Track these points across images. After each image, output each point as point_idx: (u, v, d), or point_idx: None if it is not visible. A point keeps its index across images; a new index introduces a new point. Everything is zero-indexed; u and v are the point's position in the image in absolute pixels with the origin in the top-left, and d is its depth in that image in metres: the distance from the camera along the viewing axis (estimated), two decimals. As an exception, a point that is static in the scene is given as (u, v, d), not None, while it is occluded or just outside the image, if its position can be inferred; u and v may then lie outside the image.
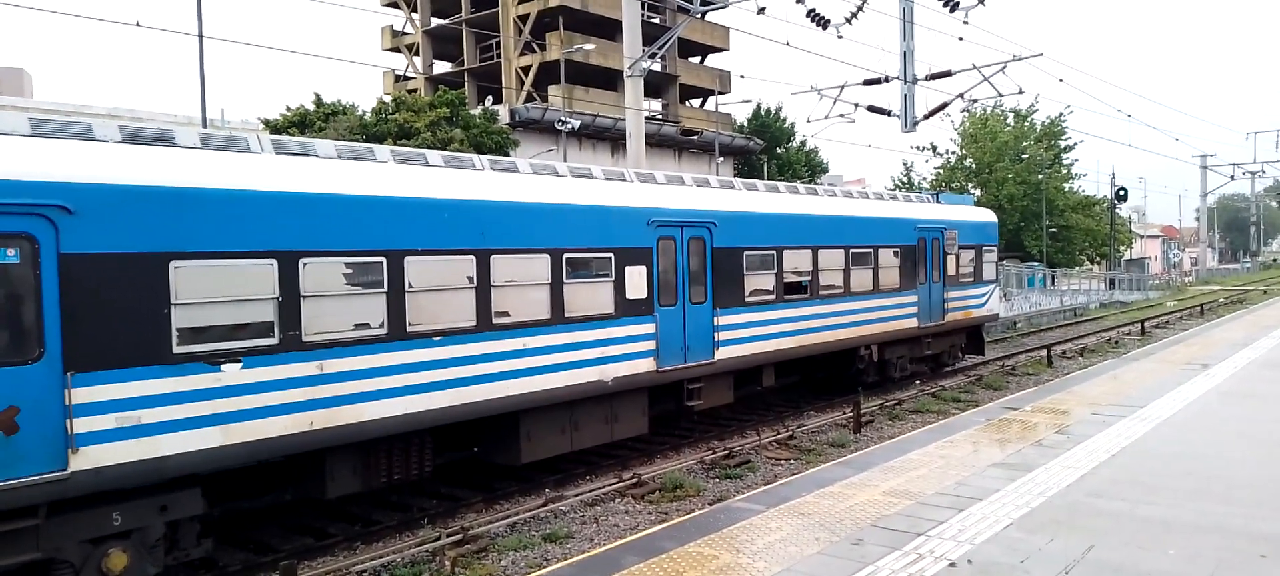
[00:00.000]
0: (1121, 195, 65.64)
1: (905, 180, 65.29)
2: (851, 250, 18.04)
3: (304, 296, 9.23)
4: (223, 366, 8.61)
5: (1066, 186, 63.96)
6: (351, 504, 11.37)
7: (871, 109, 26.90)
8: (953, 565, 7.32)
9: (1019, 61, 24.47)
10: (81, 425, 7.59)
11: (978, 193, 58.35)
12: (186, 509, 8.62)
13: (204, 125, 25.05)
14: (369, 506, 11.64)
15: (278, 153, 9.75)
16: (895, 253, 19.40)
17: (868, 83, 26.23)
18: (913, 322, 20.08)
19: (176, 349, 8.27)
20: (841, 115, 27.15)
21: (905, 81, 24.76)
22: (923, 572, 7.17)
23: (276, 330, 9.03)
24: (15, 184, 7.30)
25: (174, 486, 8.45)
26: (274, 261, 9.01)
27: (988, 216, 24.31)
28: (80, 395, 7.58)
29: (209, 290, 8.53)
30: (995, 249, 23.96)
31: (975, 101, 29.91)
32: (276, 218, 9.07)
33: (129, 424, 7.91)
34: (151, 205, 8.13)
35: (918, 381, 21.00)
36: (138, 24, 16.14)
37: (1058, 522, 8.39)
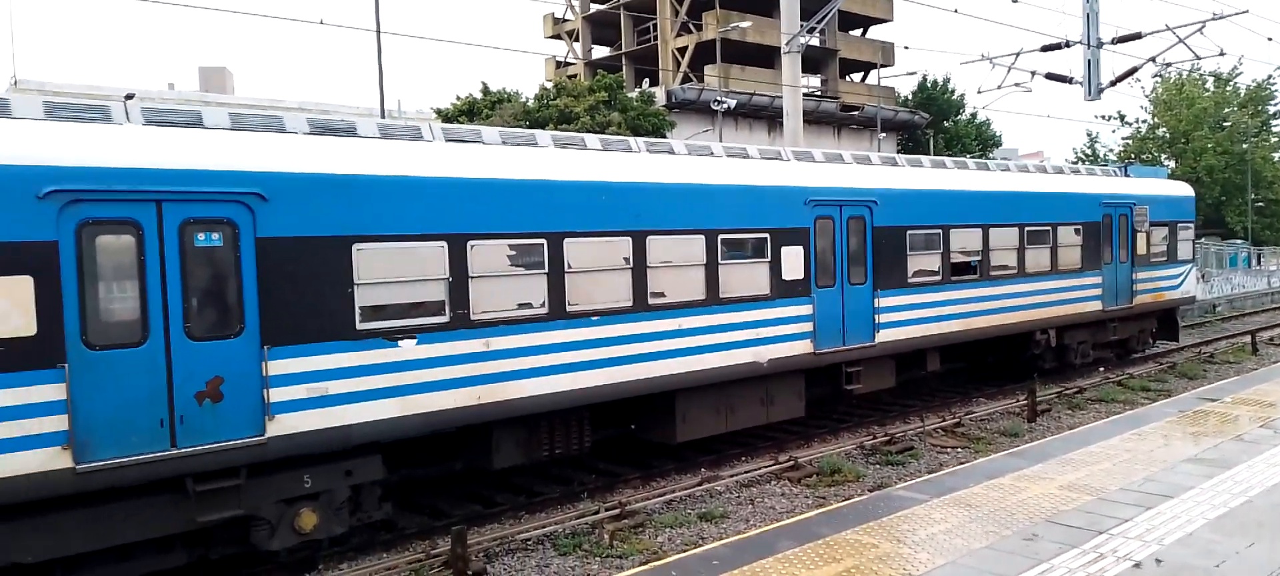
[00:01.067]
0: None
1: (1089, 152, 60.97)
2: (1027, 228, 17.03)
3: (472, 277, 9.66)
4: (400, 342, 9.15)
5: (1276, 156, 57.76)
6: (515, 475, 11.84)
7: (1050, 76, 25.20)
8: (1138, 566, 6.81)
9: (1219, 20, 22.23)
10: (277, 395, 8.27)
11: (1172, 165, 53.70)
12: (369, 474, 9.24)
13: (382, 116, 26.63)
14: (532, 478, 12.08)
15: (448, 140, 10.22)
16: (1077, 230, 18.16)
17: (1046, 48, 24.55)
18: (1096, 305, 18.76)
19: (359, 325, 8.86)
20: (1016, 84, 25.57)
21: (1089, 45, 23.00)
22: (1104, 573, 6.70)
23: (447, 309, 9.50)
24: (218, 174, 8.02)
25: (357, 453, 9.08)
26: (445, 244, 9.47)
27: (1183, 190, 22.32)
28: (276, 367, 8.26)
29: (387, 271, 9.08)
30: (1191, 225, 21.98)
31: (1169, 66, 27.52)
32: (447, 202, 9.52)
33: (318, 394, 8.56)
34: (337, 192, 8.73)
35: (1101, 368, 19.63)
36: (321, 22, 17.31)
37: (1261, 525, 7.64)
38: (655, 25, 55.23)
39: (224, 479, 8.08)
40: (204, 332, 7.92)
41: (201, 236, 7.93)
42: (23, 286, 7.02)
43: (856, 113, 54.88)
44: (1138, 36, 23.34)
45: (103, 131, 7.77)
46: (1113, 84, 23.95)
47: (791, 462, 12.27)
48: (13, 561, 7.25)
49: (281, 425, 8.30)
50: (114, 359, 7.46)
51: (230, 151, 8.23)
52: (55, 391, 7.15)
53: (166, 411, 7.68)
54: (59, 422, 7.17)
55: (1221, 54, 24.07)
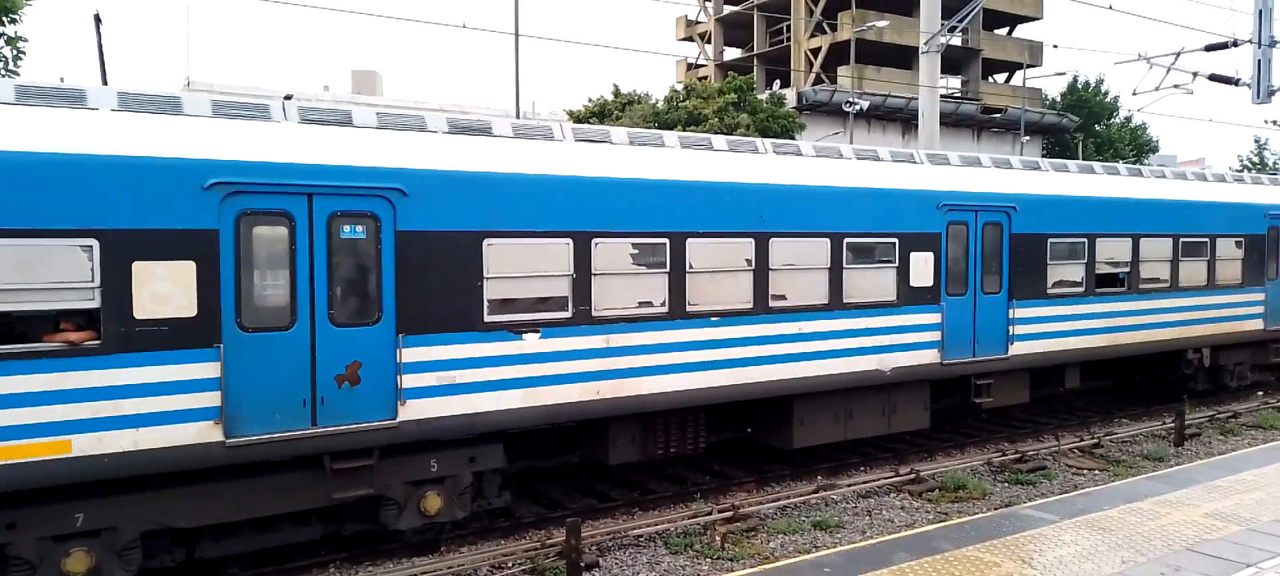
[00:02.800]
0: None
1: (1256, 160, 56.33)
2: (1181, 239, 15.96)
3: (595, 274, 9.87)
4: (525, 335, 9.46)
5: None
6: (630, 471, 12.00)
7: (1214, 77, 23.45)
8: (1290, 607, 6.32)
9: None
10: (409, 381, 8.71)
11: (1356, 174, 48.97)
12: (491, 462, 9.60)
13: (517, 116, 27.46)
14: (646, 475, 12.22)
15: (577, 140, 10.47)
16: (1238, 242, 16.88)
17: (1210, 48, 22.88)
18: (1257, 324, 17.37)
19: (487, 318, 9.21)
20: (1176, 86, 23.92)
21: (1259, 44, 21.26)
22: (1250, 610, 6.26)
23: (570, 304, 9.75)
24: (363, 170, 8.51)
25: (481, 441, 9.44)
26: (570, 241, 9.71)
27: (1364, 202, 20.34)
28: (409, 355, 8.70)
29: (515, 266, 9.40)
30: (1375, 241, 20.00)
31: (1354, 64, 25.07)
32: (573, 200, 9.77)
33: (447, 382, 8.95)
34: (470, 188, 9.11)
35: (1260, 392, 18.16)
36: (464, 26, 18.03)
37: None
38: (788, 26, 54.60)
39: (358, 459, 8.56)
40: (345, 319, 8.43)
41: (347, 228, 8.43)
42: (186, 271, 7.66)
43: (999, 115, 52.59)
44: (1317, 33, 21.42)
45: (262, 128, 8.38)
46: (1286, 85, 22.06)
47: (913, 475, 11.94)
48: (167, 525, 7.92)
49: (412, 410, 8.73)
50: (264, 341, 8.04)
51: (375, 149, 8.72)
52: (211, 369, 7.76)
53: (309, 392, 8.21)
54: (212, 399, 7.78)
55: None
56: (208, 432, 7.76)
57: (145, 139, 7.62)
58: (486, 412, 9.24)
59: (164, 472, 7.73)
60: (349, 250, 8.50)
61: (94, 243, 7.27)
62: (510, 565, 8.98)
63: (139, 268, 7.44)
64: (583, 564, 8.69)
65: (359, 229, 8.54)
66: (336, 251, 8.40)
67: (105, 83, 15.75)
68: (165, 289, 7.56)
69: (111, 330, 7.37)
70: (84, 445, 7.28)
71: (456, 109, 40.10)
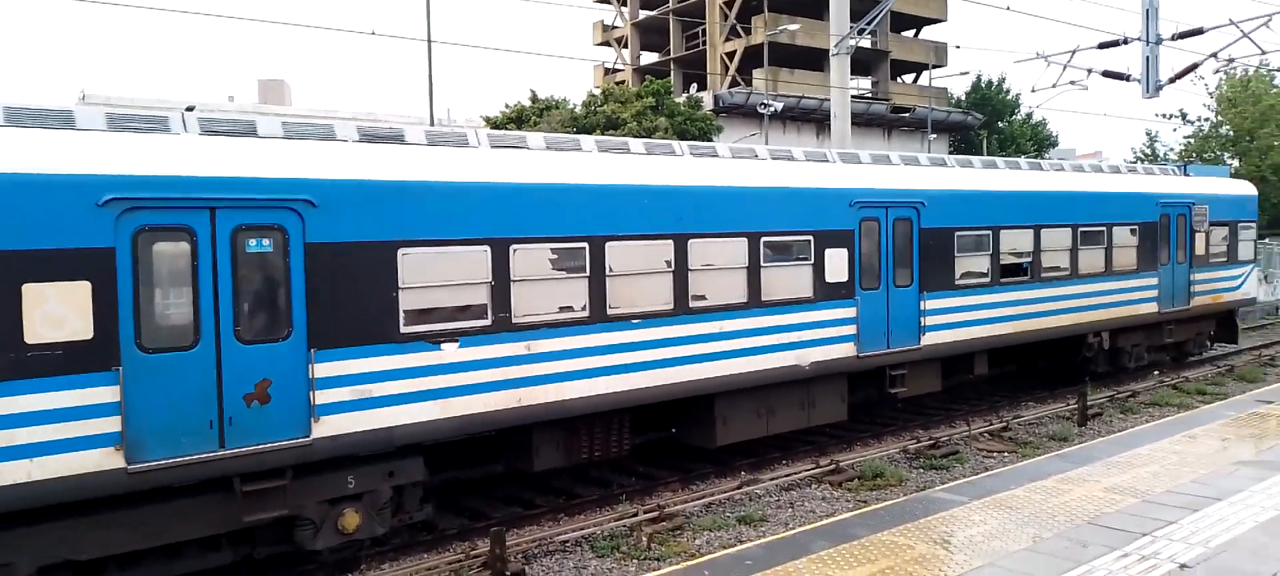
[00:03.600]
0: None
1: (1148, 152, 59.24)
2: (1080, 229, 16.69)
3: (514, 280, 9.81)
4: (443, 345, 9.33)
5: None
6: (555, 477, 11.96)
7: (1107, 74, 24.59)
8: (1184, 567, 6.66)
9: (1286, 12, 21.49)
10: (322, 397, 8.50)
11: (1235, 164, 51.95)
12: (411, 475, 9.43)
13: (432, 124, 27.10)
14: (571, 480, 12.20)
15: (493, 146, 10.39)
16: (1132, 230, 17.75)
17: (1103, 45, 23.99)
18: (1152, 307, 18.30)
19: (403, 329, 9.05)
20: (1072, 83, 25.00)
21: (1148, 42, 22.38)
22: (1146, 575, 6.59)
23: (489, 312, 9.66)
24: (269, 181, 8.28)
25: (400, 454, 9.27)
26: (488, 248, 9.63)
27: (1245, 189, 21.65)
28: (322, 370, 8.49)
29: (431, 275, 9.26)
30: (1253, 225, 21.31)
31: (1232, 61, 26.59)
32: (490, 207, 9.68)
33: (362, 396, 8.77)
34: (384, 198, 8.94)
35: (1156, 372, 19.13)
36: (373, 32, 17.72)
37: (1317, 532, 7.41)
38: (704, 30, 55.24)
39: (270, 479, 8.31)
40: (253, 336, 8.18)
41: (253, 242, 8.19)
42: (81, 292, 7.32)
43: (907, 114, 54.19)
44: (1199, 31, 22.66)
45: (160, 141, 8.08)
46: (1172, 81, 23.28)
47: (833, 466, 12.20)
48: (67, 558, 7.55)
49: (327, 426, 8.52)
50: (166, 362, 7.74)
51: (281, 159, 8.49)
52: (109, 393, 7.42)
53: (216, 413, 7.94)
54: (112, 424, 7.44)
55: (1287, 48, 23.23)
56: (108, 459, 7.43)
57: (34, 155, 7.27)
58: (405, 425, 9.08)
59: (63, 503, 7.37)
60: (255, 264, 8.25)
61: None
62: (434, 578, 8.84)
63: (29, 290, 7.09)
64: (508, 572, 8.63)
65: (266, 242, 8.30)
66: (242, 266, 8.15)
67: (-10, 97, 14.97)
68: (58, 311, 7.22)
69: (1, 356, 7.00)
70: (-27, 478, 6.90)
71: (368, 117, 39.33)
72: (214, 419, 7.92)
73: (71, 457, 7.27)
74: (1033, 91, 25.32)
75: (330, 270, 8.57)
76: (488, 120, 38.32)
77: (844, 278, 13.02)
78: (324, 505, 8.80)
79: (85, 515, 7.55)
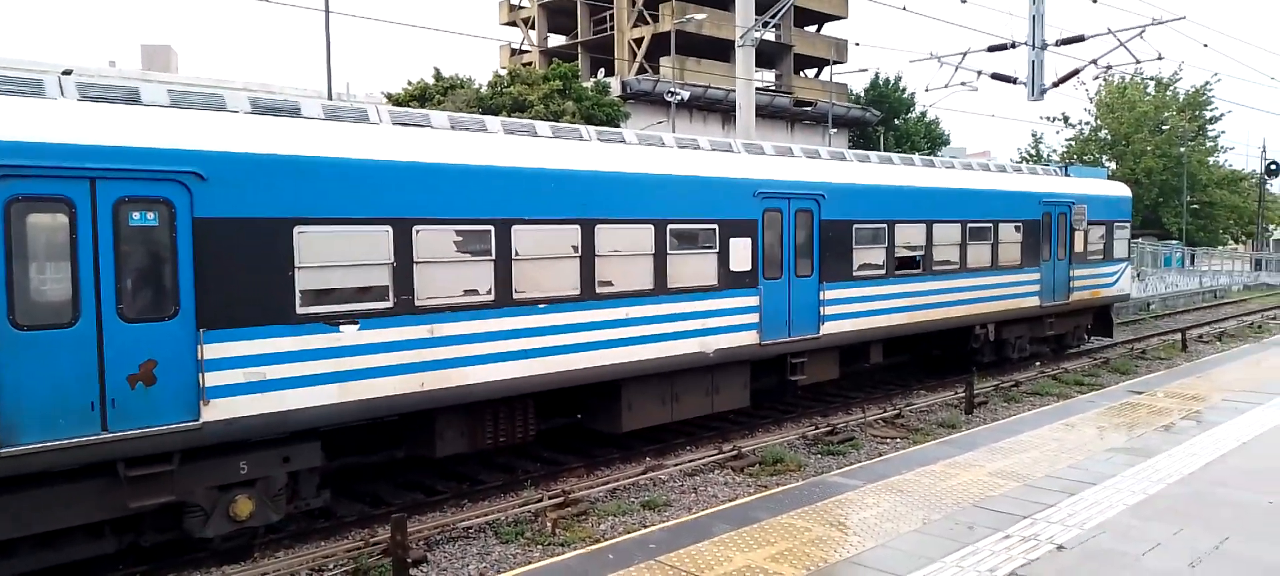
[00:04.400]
0: (1272, 170, 60.82)
1: (1033, 152, 62.32)
2: (969, 224, 17.42)
3: (417, 262, 9.60)
4: (341, 327, 9.06)
5: (1211, 160, 59.66)
6: (458, 464, 11.80)
7: (996, 76, 25.67)
8: (1061, 548, 7.06)
9: (1159, 25, 22.87)
10: (213, 379, 8.14)
11: (1112, 166, 55.15)
12: (307, 460, 9.15)
13: (330, 98, 26.21)
14: (475, 466, 12.06)
15: (395, 123, 10.12)
16: (1017, 227, 18.63)
17: (992, 49, 25.02)
18: (1034, 301, 19.27)
19: (299, 310, 8.75)
20: (963, 84, 26.05)
21: (1033, 47, 23.47)
22: (1027, 555, 6.94)
23: (391, 294, 9.43)
24: (154, 152, 7.86)
25: (295, 439, 8.98)
26: (390, 228, 9.38)
27: (1121, 191, 23.01)
28: (212, 351, 8.14)
29: (330, 254, 8.97)
30: (1128, 225, 22.68)
31: (1110, 68, 28.10)
32: (393, 186, 9.44)
33: (255, 379, 8.44)
34: (278, 173, 8.60)
35: (1038, 363, 20.17)
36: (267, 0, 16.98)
37: (1178, 511, 7.97)
38: (612, 15, 55.14)
39: (156, 464, 7.94)
40: (137, 314, 7.77)
41: (136, 215, 7.77)
42: (-54, 264, 6.82)
43: (810, 108, 55.45)
44: (1081, 39, 23.90)
45: (35, 105, 7.56)
46: (1055, 85, 24.51)
47: (735, 452, 12.42)
48: None
49: (217, 410, 8.18)
50: (43, 340, 7.29)
51: (167, 129, 8.07)
52: (-20, 372, 6.96)
53: (98, 394, 7.52)
54: (-17, 404, 6.98)
55: (1160, 58, 24.79)
56: None
57: (-112, 115, 6.70)
58: (301, 409, 8.80)
59: None
60: (140, 239, 7.83)
61: None
62: (331, 567, 8.61)
63: None
64: (410, 560, 8.46)
65: (150, 216, 7.88)
66: (125, 241, 7.72)
67: None
68: None
69: None
70: None
71: (262, 88, 37.79)
72: (95, 400, 7.50)
73: None
74: (927, 90, 26.33)
75: (221, 247, 8.20)
76: (389, 97, 37.38)
77: (747, 267, 13.24)
78: (214, 491, 8.47)
79: None
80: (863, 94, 62.75)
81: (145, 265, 7.87)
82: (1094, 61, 24.65)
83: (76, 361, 7.44)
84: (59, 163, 7.35)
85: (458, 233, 10.04)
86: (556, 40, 61.38)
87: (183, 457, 8.11)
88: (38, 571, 7.95)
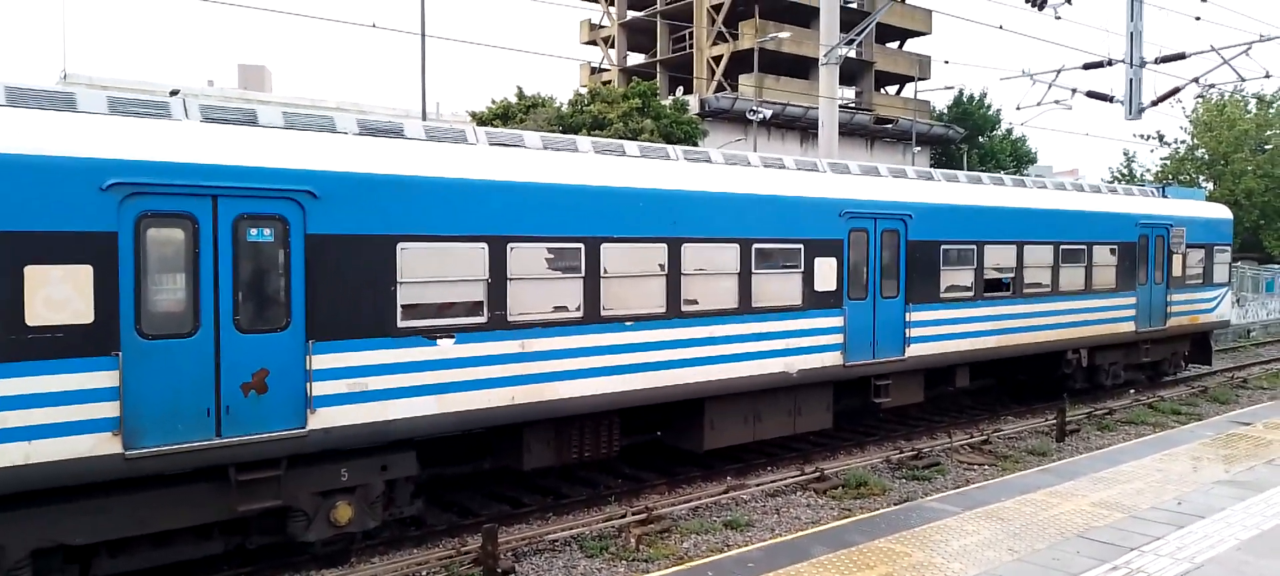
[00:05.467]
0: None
1: (1125, 172, 60.17)
2: (1062, 246, 16.96)
3: (510, 278, 9.83)
4: (438, 341, 9.33)
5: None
6: (542, 476, 11.98)
7: (1091, 94, 24.99)
8: (1168, 586, 6.83)
9: (1266, 42, 21.97)
10: (319, 388, 8.48)
11: (1209, 186, 52.89)
12: (403, 469, 9.43)
13: (423, 117, 26.98)
14: (557, 480, 12.22)
15: (491, 144, 10.40)
16: (1112, 250, 18.06)
17: (1088, 66, 24.37)
18: (1129, 326, 18.62)
19: (400, 323, 9.05)
20: (1057, 101, 25.41)
21: (1131, 65, 22.81)
22: (1133, 591, 6.74)
23: (485, 309, 9.68)
24: (272, 171, 8.25)
25: (393, 448, 9.27)
26: (485, 245, 9.64)
27: (1221, 213, 22.09)
28: (319, 362, 8.47)
29: (429, 270, 9.27)
30: (1228, 248, 21.74)
31: (1212, 87, 27.10)
32: (489, 205, 9.70)
33: (358, 389, 8.76)
34: (384, 192, 8.93)
35: (1132, 390, 19.45)
36: (374, 25, 17.63)
37: (1295, 550, 7.62)
38: (691, 34, 55.39)
39: (265, 469, 8.29)
40: (252, 326, 8.15)
41: (254, 231, 8.16)
42: (82, 275, 7.27)
43: (890, 126, 54.68)
44: (1181, 56, 23.10)
45: (162, 127, 8.03)
46: (1154, 104, 23.72)
47: (818, 474, 12.31)
48: (60, 542, 7.49)
49: (322, 418, 8.51)
50: (165, 349, 7.70)
51: (284, 150, 8.46)
52: (108, 378, 7.38)
53: (213, 401, 7.91)
54: (111, 409, 7.40)
55: (1267, 76, 23.79)
56: (105, 444, 7.38)
57: (37, 137, 7.20)
58: (399, 420, 9.08)
59: (58, 487, 7.31)
60: (256, 254, 8.22)
61: None
62: (424, 573, 8.84)
63: (31, 272, 7.03)
64: (499, 569, 8.65)
65: (266, 232, 8.27)
66: (243, 255, 8.12)
67: (-25, 73, 14.73)
68: (60, 294, 7.16)
69: (1, 337, 6.93)
70: (-31, 460, 6.83)
71: (355, 108, 39.09)
72: (211, 407, 7.88)
73: (68, 442, 7.22)
74: (1018, 109, 25.65)
75: (330, 262, 8.55)
76: (474, 116, 38.21)
77: (832, 287, 13.15)
78: (317, 497, 8.78)
79: (80, 500, 7.48)
80: (945, 111, 61.57)
81: (260, 279, 8.26)
82: (1195, 80, 23.80)
83: (195, 370, 7.83)
84: (184, 181, 7.78)
85: (549, 250, 10.25)
86: (636, 59, 61.91)
87: (289, 463, 8.45)
88: (151, 569, 8.38)
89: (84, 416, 7.29)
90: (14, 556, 7.24)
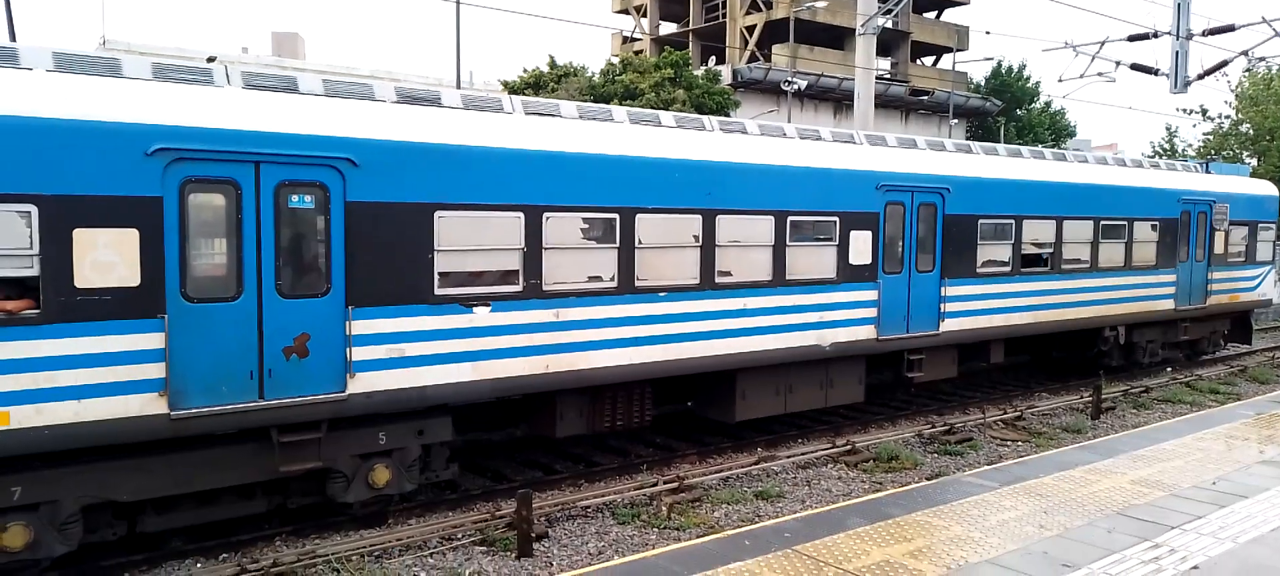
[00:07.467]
0: None
1: (1167, 146, 58.94)
2: (1101, 222, 16.68)
3: (546, 248, 9.86)
4: (475, 309, 9.41)
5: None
6: (574, 444, 12.08)
7: (1135, 67, 24.42)
8: (1213, 560, 6.75)
9: (1319, 12, 21.30)
10: (358, 354, 8.59)
11: (1253, 163, 51.66)
12: (439, 434, 9.56)
13: (458, 86, 27.01)
14: (589, 448, 12.32)
15: (527, 113, 10.40)
16: (1153, 226, 17.73)
17: (1133, 38, 23.77)
18: (1168, 304, 18.32)
19: (438, 290, 9.13)
20: (1100, 74, 24.85)
21: (1178, 36, 22.22)
22: (1176, 567, 6.67)
23: (521, 278, 9.73)
24: (313, 138, 8.32)
25: (430, 414, 9.39)
26: (521, 214, 9.67)
27: (1267, 189, 21.59)
28: (359, 327, 8.58)
29: (466, 239, 9.33)
30: (1273, 226, 21.27)
31: (1262, 60, 26.31)
32: (525, 174, 9.72)
33: (397, 355, 8.87)
34: (423, 160, 8.98)
35: (1169, 368, 19.18)
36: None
37: (1340, 533, 7.51)
38: (724, 3, 54.83)
39: (306, 432, 8.43)
40: (293, 291, 8.26)
41: (295, 198, 8.25)
42: (129, 239, 7.40)
43: (926, 97, 53.91)
44: (1231, 28, 22.46)
45: (205, 93, 8.11)
46: (1201, 77, 23.12)
47: (849, 447, 12.30)
48: (108, 498, 7.70)
49: (362, 383, 8.63)
50: (209, 312, 7.84)
51: (324, 117, 8.52)
52: (155, 340, 7.53)
53: (257, 364, 8.04)
54: (157, 370, 7.56)
55: (1318, 49, 23.06)
56: (152, 405, 7.55)
57: (85, 102, 7.31)
58: (436, 385, 9.19)
59: (105, 445, 7.50)
60: (297, 220, 8.32)
61: (32, 209, 6.97)
62: (460, 536, 8.98)
63: (80, 235, 7.17)
64: (532, 534, 8.75)
65: (307, 199, 8.36)
66: (284, 222, 8.22)
67: (13, 40, 14.95)
68: (107, 257, 7.30)
69: (51, 299, 7.09)
70: (22, 417, 7.01)
71: (388, 76, 39.21)
72: (254, 370, 8.02)
73: (117, 401, 7.39)
74: (1060, 81, 25.07)
75: (369, 229, 8.63)
76: (506, 84, 38.20)
77: (867, 260, 13.06)
78: (356, 459, 8.94)
79: (127, 459, 7.67)
80: (983, 83, 60.56)
81: (301, 245, 8.36)
82: (1244, 52, 23.16)
83: (238, 333, 7.96)
84: (228, 147, 7.87)
85: (584, 220, 10.26)
86: (668, 28, 61.44)
87: (329, 426, 8.59)
88: (196, 526, 8.59)
89: (131, 377, 7.45)
90: (66, 511, 7.46)
